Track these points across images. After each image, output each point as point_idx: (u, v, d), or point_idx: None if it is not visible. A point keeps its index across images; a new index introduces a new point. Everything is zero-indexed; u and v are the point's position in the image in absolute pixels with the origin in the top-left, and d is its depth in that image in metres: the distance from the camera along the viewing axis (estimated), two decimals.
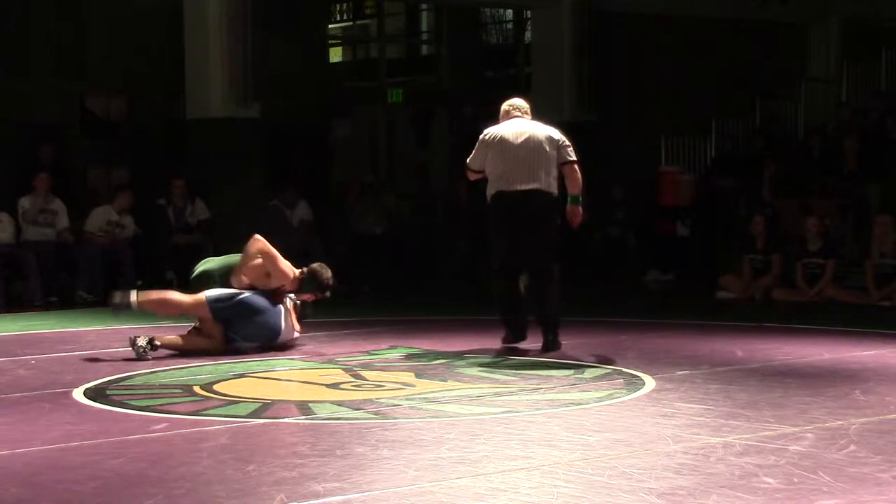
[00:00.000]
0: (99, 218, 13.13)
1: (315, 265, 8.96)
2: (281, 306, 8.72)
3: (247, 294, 8.59)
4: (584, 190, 8.66)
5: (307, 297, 8.97)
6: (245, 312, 8.52)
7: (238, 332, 8.49)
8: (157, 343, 8.27)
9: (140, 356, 8.11)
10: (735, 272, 13.38)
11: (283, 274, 8.73)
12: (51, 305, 12.35)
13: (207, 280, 8.87)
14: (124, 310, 8.52)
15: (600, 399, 6.60)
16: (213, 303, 8.47)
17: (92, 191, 14.53)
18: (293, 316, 8.91)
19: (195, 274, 9.06)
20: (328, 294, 9.01)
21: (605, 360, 7.99)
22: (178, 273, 13.41)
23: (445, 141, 19.23)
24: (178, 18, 14.34)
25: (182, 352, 8.36)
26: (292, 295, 8.94)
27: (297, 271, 8.88)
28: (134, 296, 8.54)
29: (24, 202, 12.76)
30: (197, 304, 8.50)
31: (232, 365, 7.94)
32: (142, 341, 8.17)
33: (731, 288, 13.22)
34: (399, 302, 12.73)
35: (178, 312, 8.64)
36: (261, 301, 8.60)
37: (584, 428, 5.74)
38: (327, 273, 8.91)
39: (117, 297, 8.58)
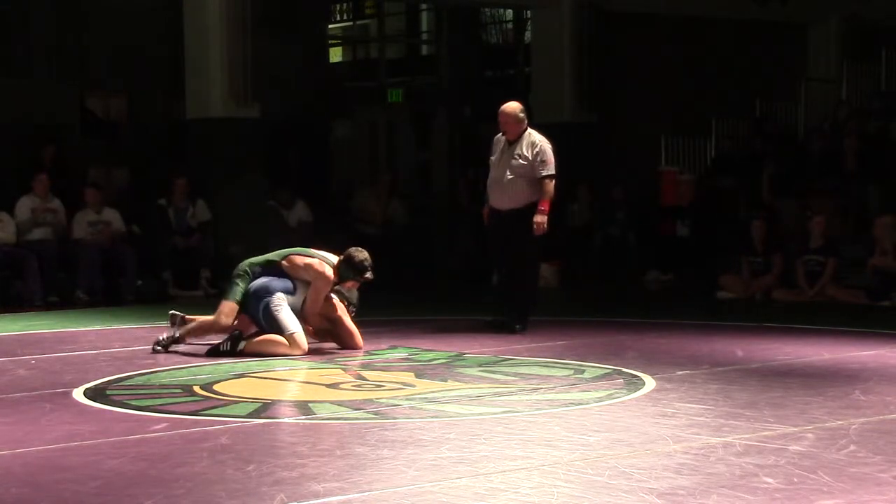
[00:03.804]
0: (80, 223, 13.05)
1: (350, 249, 8.65)
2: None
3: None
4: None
5: (350, 284, 8.66)
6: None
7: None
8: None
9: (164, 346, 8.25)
10: (735, 272, 13.38)
11: (324, 277, 8.48)
12: (51, 305, 12.35)
13: (242, 276, 8.59)
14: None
15: (600, 399, 6.60)
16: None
17: None
18: (343, 319, 8.69)
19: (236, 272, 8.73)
20: (369, 276, 8.59)
21: (604, 360, 8.00)
22: (175, 274, 13.44)
23: (445, 141, 19.23)
24: (178, 18, 14.35)
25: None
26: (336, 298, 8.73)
27: (336, 260, 8.61)
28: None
29: (21, 205, 12.73)
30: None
31: (232, 365, 7.93)
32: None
33: (731, 288, 13.21)
34: (399, 302, 12.70)
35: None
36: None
37: (584, 428, 5.74)
38: (361, 255, 8.59)
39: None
